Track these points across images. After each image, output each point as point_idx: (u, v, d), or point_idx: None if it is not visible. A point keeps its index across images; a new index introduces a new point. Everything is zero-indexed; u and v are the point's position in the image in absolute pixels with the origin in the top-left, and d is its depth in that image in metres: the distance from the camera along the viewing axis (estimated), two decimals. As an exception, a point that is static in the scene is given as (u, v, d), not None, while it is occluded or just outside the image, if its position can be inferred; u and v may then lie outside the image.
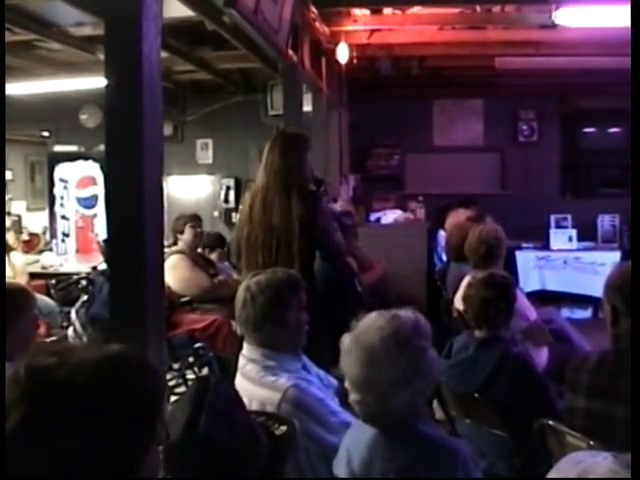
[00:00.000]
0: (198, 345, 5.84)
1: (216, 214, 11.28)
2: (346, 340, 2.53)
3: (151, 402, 1.41)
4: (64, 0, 6.11)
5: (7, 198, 13.23)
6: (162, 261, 2.84)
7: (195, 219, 6.77)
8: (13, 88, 9.78)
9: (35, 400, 1.31)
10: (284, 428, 2.67)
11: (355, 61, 8.38)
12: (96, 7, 5.87)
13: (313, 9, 6.99)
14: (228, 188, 11.41)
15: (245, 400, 2.91)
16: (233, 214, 11.17)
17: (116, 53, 2.65)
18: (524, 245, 9.73)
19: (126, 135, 2.58)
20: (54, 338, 6.33)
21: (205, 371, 5.99)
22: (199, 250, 6.95)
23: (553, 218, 9.91)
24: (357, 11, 7.64)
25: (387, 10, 7.79)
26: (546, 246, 9.76)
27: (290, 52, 6.25)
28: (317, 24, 7.39)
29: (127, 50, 2.59)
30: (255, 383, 3.17)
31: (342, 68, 8.45)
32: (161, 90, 2.77)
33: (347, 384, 2.52)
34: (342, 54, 7.88)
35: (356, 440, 2.60)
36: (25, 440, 1.28)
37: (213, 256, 7.30)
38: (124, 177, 2.59)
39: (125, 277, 2.65)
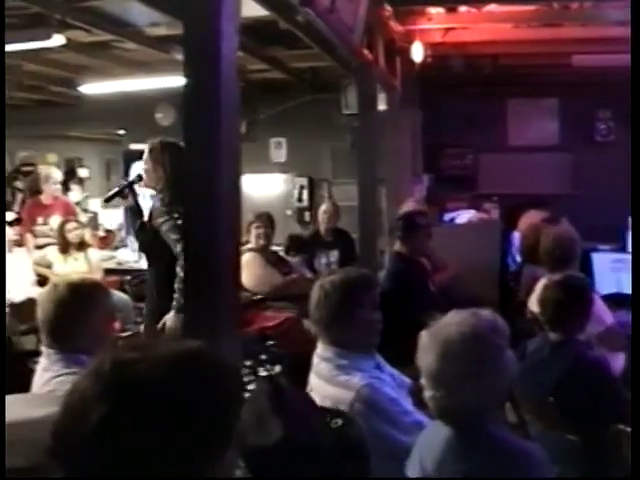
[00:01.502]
0: (270, 343, 5.86)
1: (289, 213, 11.30)
2: (424, 336, 2.53)
3: (230, 400, 1.40)
4: (141, 1, 6.20)
5: (84, 196, 13.51)
6: (238, 259, 2.85)
7: (260, 219, 6.79)
8: (90, 88, 9.98)
9: (118, 394, 1.31)
10: (339, 421, 2.66)
11: (429, 60, 8.32)
12: (173, 7, 5.94)
13: (387, 7, 6.96)
14: (302, 187, 11.43)
15: (318, 399, 2.92)
16: (306, 213, 11.20)
17: (194, 52, 2.68)
18: (600, 247, 9.54)
19: (203, 134, 2.60)
20: (128, 333, 6.43)
21: (277, 369, 6.02)
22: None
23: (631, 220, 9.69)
24: (432, 9, 7.59)
25: (462, 8, 7.72)
26: (623, 248, 9.56)
27: (364, 51, 6.23)
28: (391, 23, 7.36)
29: (205, 49, 2.62)
30: (328, 382, 3.16)
31: (416, 67, 8.40)
32: (238, 89, 2.79)
33: (422, 380, 2.52)
34: (417, 53, 7.84)
35: (429, 441, 2.58)
36: (106, 436, 1.28)
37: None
38: (201, 175, 2.62)
39: (200, 275, 2.66)
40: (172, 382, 1.33)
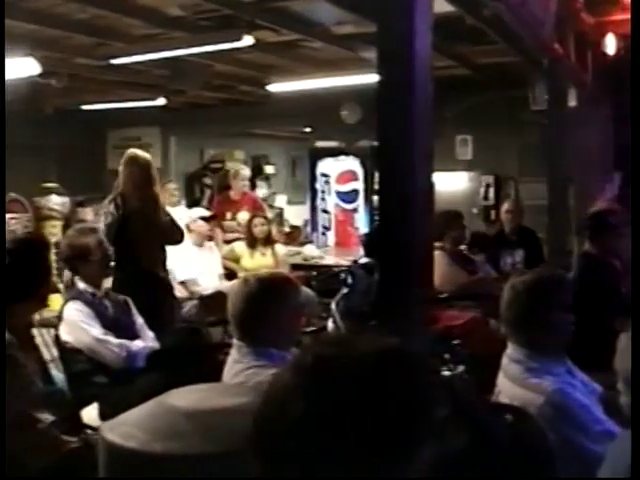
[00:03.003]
0: (455, 342, 5.80)
1: (475, 211, 11.16)
2: (623, 338, 2.43)
3: (429, 397, 1.38)
4: (332, 1, 6.27)
5: (270, 192, 13.82)
6: (430, 257, 2.84)
7: (462, 217, 6.81)
8: (277, 87, 10.19)
9: (319, 388, 1.31)
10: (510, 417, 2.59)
11: (622, 52, 8.00)
12: (365, 6, 5.96)
13: (579, -1, 6.76)
14: (487, 185, 11.28)
15: (506, 400, 2.87)
16: (492, 211, 11.02)
17: (388, 51, 2.68)
18: None
19: (398, 132, 2.60)
20: (313, 328, 6.52)
21: (460, 369, 5.94)
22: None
23: None
24: (627, -1, 7.30)
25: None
26: None
27: (555, 45, 6.06)
28: (583, 15, 7.13)
29: (399, 48, 2.61)
30: (518, 384, 3.11)
31: (608, 60, 8.10)
32: (431, 86, 2.77)
33: (619, 385, 2.42)
34: (610, 45, 7.55)
35: (623, 451, 2.48)
36: (305, 430, 1.29)
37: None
38: (396, 174, 2.61)
39: (392, 272, 2.66)
40: (374, 378, 1.32)
